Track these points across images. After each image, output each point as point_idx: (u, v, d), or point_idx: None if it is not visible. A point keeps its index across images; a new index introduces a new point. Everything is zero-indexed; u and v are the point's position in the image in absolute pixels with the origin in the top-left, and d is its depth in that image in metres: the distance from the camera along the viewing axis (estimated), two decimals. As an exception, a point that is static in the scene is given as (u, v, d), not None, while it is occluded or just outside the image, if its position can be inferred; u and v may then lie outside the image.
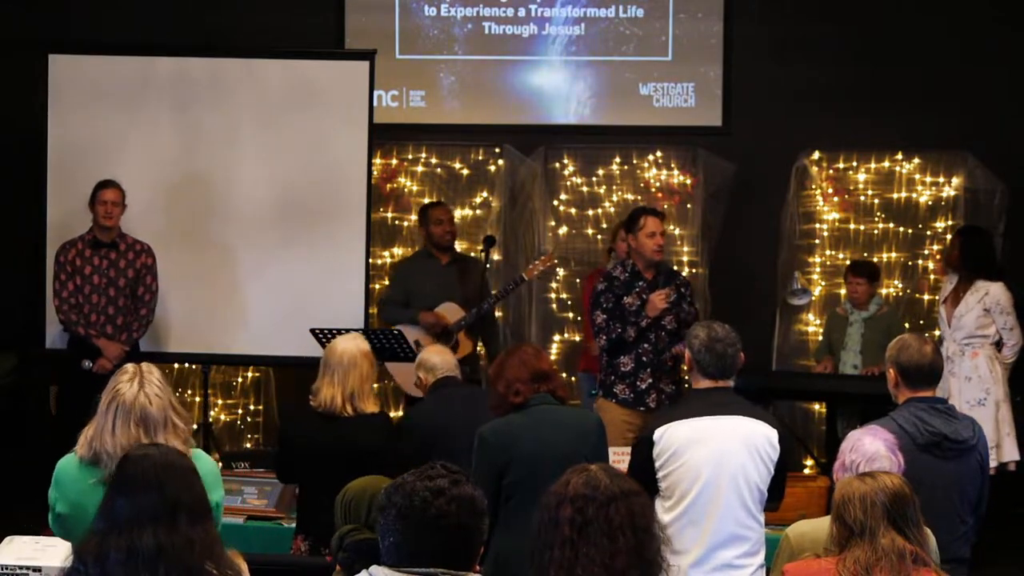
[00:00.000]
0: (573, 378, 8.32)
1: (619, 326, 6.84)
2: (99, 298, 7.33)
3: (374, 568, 2.86)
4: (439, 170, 8.61)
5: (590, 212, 8.58)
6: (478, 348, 7.77)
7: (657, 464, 4.53)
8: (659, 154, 8.58)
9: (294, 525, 5.59)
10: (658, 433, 4.54)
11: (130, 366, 4.03)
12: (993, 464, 7.17)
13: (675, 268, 7.30)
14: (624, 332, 6.83)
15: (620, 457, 6.04)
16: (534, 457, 4.62)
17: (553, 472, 3.11)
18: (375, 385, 5.38)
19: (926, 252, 8.39)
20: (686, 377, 7.00)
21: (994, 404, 7.33)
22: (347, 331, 6.93)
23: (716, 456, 4.48)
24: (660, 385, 6.85)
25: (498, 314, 8.36)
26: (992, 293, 7.36)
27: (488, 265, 7.63)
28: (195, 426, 8.17)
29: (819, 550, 3.73)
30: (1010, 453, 7.36)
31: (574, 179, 8.61)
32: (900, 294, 8.40)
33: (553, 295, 8.54)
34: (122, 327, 7.37)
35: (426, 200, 8.45)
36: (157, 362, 8.07)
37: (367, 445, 5.18)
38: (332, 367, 5.24)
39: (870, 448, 3.97)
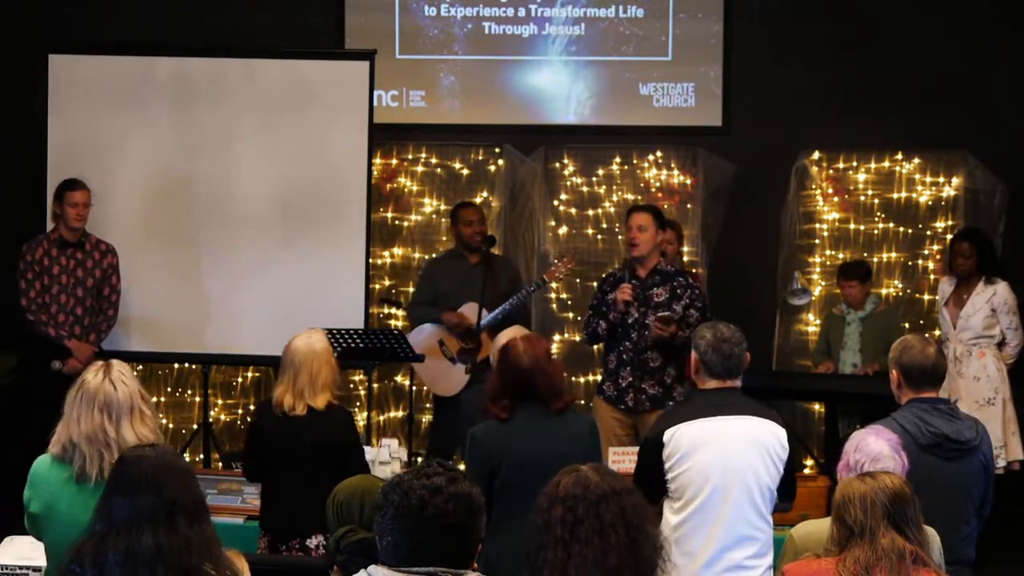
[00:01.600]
0: (583, 379, 8.35)
1: (595, 320, 6.90)
2: (67, 298, 7.29)
3: (373, 568, 2.85)
4: (439, 170, 8.60)
5: (590, 212, 8.58)
6: None
7: (666, 466, 4.52)
8: (659, 154, 8.58)
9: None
10: (668, 435, 4.53)
11: (98, 363, 4.05)
12: (1003, 464, 7.20)
13: (680, 269, 7.25)
14: (597, 325, 6.88)
15: (619, 458, 6.04)
16: (527, 460, 4.63)
17: (546, 475, 3.11)
18: (336, 382, 5.33)
19: (926, 252, 8.39)
20: (669, 381, 6.95)
21: (1001, 403, 7.37)
22: (347, 330, 6.97)
23: (726, 457, 4.48)
24: (642, 385, 6.82)
25: (497, 314, 8.35)
26: (1000, 293, 7.43)
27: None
28: (195, 426, 8.20)
29: (822, 550, 3.73)
30: (1015, 453, 7.39)
31: (574, 179, 8.61)
32: (900, 294, 8.40)
33: (553, 295, 8.53)
34: (89, 327, 7.34)
35: (426, 200, 8.46)
36: (156, 363, 8.21)
37: (325, 440, 5.18)
38: (284, 367, 5.28)
39: (874, 448, 3.97)
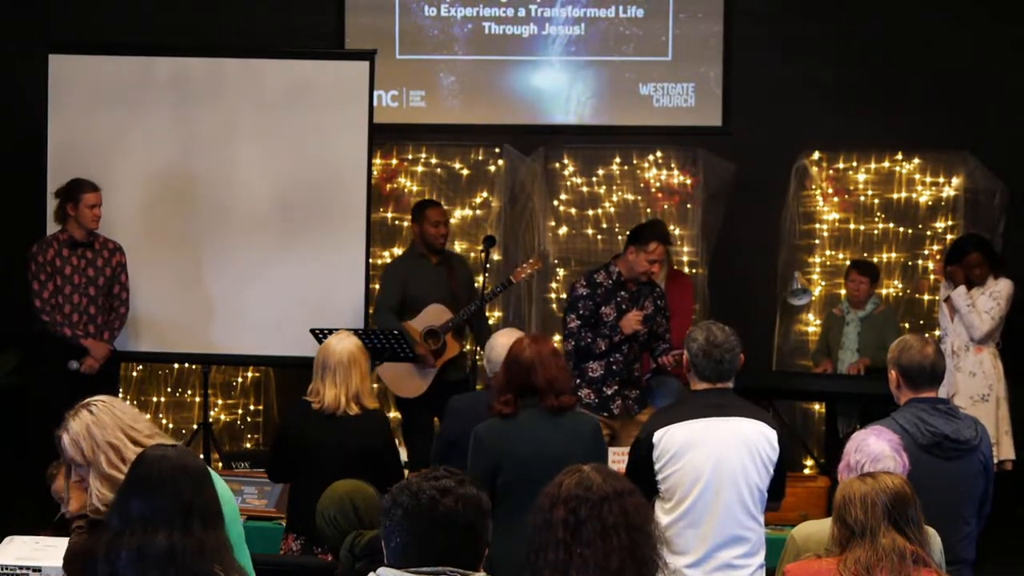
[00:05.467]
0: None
1: (590, 335, 6.80)
2: (80, 298, 7.28)
3: (382, 570, 2.84)
4: (439, 170, 8.60)
5: (590, 212, 8.58)
6: (473, 346, 7.74)
7: (657, 466, 4.55)
8: (659, 154, 8.58)
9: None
10: (658, 435, 4.55)
11: None
12: (994, 462, 7.18)
13: (651, 280, 7.17)
14: (594, 343, 6.80)
15: (619, 458, 6.04)
16: (527, 459, 4.64)
17: (546, 475, 3.10)
18: (374, 385, 5.38)
19: (926, 252, 8.39)
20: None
21: (995, 400, 7.35)
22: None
23: (716, 458, 4.50)
24: (625, 392, 6.85)
25: (497, 314, 8.36)
26: (1001, 287, 7.39)
27: (488, 265, 7.62)
28: (195, 426, 8.20)
29: (823, 551, 3.73)
30: (1006, 452, 7.38)
31: (574, 179, 8.61)
32: (900, 294, 8.40)
33: (553, 295, 8.53)
34: (103, 326, 7.34)
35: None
36: (158, 362, 8.21)
37: (370, 443, 5.20)
38: (331, 367, 5.22)
39: (875, 448, 3.97)
